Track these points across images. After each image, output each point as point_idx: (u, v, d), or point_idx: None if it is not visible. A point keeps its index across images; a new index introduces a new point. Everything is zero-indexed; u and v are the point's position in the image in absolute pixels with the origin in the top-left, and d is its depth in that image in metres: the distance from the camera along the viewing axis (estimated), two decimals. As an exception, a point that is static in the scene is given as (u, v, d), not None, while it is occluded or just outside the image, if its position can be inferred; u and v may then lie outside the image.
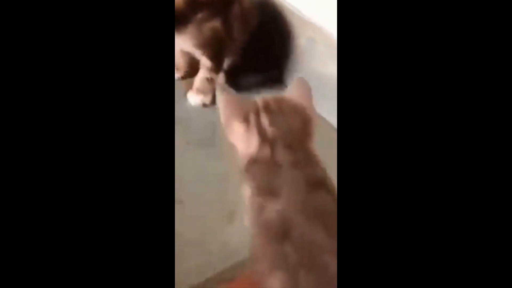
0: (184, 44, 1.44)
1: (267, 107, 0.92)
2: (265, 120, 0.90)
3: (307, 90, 0.95)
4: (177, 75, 1.58)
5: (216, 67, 1.49)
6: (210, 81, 1.50)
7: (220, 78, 1.54)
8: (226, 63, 1.54)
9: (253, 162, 0.89)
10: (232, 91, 1.26)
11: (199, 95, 1.51)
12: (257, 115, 0.91)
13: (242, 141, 0.91)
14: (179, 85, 1.56)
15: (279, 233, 0.79)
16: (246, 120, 0.91)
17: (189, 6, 1.35)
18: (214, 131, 1.41)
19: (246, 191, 0.87)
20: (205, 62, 1.48)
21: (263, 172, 0.87)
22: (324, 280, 0.75)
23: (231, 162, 0.95)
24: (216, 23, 1.41)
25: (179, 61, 1.57)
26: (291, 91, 0.96)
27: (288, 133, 0.90)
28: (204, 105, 1.51)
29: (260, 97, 0.95)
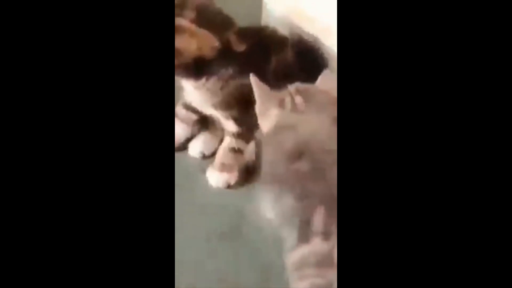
0: (200, 101, 1.17)
1: (299, 91, 1.00)
2: (299, 102, 0.99)
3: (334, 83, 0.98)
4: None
5: (246, 133, 1.18)
6: (238, 153, 1.19)
7: (251, 147, 1.21)
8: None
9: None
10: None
11: (223, 173, 1.19)
12: (292, 99, 0.99)
13: (275, 121, 0.98)
14: (195, 160, 1.24)
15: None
16: (282, 105, 0.99)
17: (220, 56, 1.11)
18: (242, 222, 1.12)
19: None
20: (231, 128, 1.17)
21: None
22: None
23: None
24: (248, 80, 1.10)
25: (184, 123, 1.25)
26: (320, 83, 1.04)
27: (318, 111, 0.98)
28: (229, 186, 1.19)
29: (292, 86, 1.02)
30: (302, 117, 0.97)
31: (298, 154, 0.91)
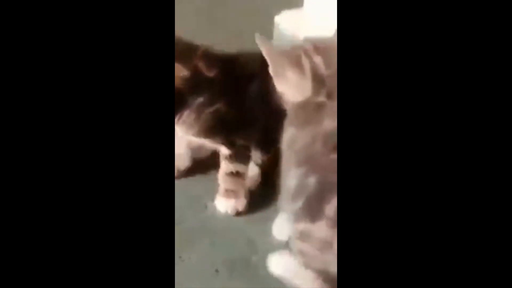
0: (182, 133, 1.10)
1: (317, 49, 0.94)
2: (319, 61, 0.92)
3: None
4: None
5: (242, 155, 1.11)
6: (238, 176, 1.12)
7: (253, 170, 1.15)
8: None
9: (305, 105, 0.92)
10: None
11: (230, 199, 1.12)
12: (310, 58, 0.93)
13: (296, 88, 0.93)
14: (200, 187, 1.17)
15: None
16: (299, 65, 0.92)
17: (189, 87, 1.04)
18: (253, 252, 1.04)
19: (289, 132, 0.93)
20: (223, 151, 1.11)
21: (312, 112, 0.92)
22: None
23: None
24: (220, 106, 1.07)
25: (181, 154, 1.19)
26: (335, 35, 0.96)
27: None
28: (238, 213, 1.12)
29: (306, 41, 0.96)
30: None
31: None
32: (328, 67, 0.92)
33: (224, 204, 1.12)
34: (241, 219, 1.12)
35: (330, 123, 0.88)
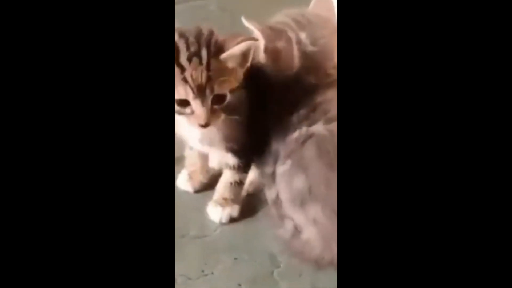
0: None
1: (299, 23, 1.00)
2: (304, 38, 0.99)
3: (329, 4, 1.03)
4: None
5: (246, 165, 1.11)
6: (239, 185, 1.13)
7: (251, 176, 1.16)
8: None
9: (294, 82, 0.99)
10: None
11: (225, 208, 1.14)
12: (295, 32, 0.99)
13: (286, 61, 0.99)
14: (194, 197, 1.18)
15: None
16: (287, 38, 0.98)
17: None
18: (275, 266, 1.06)
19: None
20: (231, 161, 1.10)
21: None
22: None
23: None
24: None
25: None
26: (314, 7, 1.04)
27: (324, 46, 0.99)
28: (232, 219, 1.14)
29: (285, 15, 1.02)
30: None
31: None
32: (313, 44, 0.98)
33: (219, 214, 1.13)
34: (263, 234, 1.11)
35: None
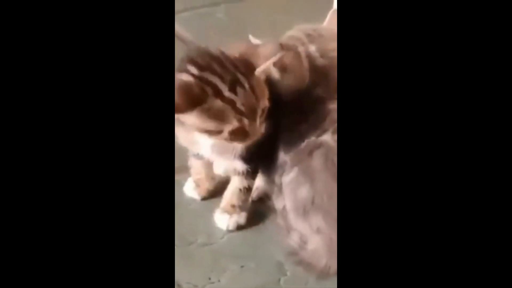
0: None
1: (309, 37, 1.02)
2: (314, 51, 1.01)
3: None
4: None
5: (254, 171, 1.10)
6: (247, 191, 1.12)
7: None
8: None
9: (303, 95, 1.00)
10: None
11: (233, 215, 1.13)
12: (305, 46, 1.01)
13: (295, 76, 1.01)
14: (200, 205, 1.17)
15: None
16: (296, 53, 1.00)
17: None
18: (281, 274, 1.06)
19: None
20: (239, 167, 1.09)
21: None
22: None
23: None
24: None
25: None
26: (328, 23, 1.07)
27: (334, 58, 0.97)
28: (239, 227, 1.13)
29: (298, 29, 1.04)
30: None
31: None
32: (323, 57, 0.99)
33: (226, 221, 1.12)
34: (270, 241, 1.10)
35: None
